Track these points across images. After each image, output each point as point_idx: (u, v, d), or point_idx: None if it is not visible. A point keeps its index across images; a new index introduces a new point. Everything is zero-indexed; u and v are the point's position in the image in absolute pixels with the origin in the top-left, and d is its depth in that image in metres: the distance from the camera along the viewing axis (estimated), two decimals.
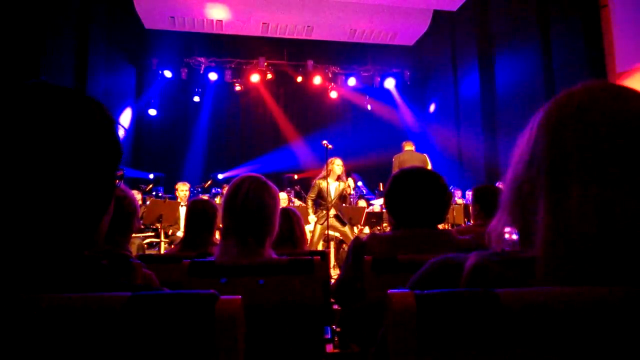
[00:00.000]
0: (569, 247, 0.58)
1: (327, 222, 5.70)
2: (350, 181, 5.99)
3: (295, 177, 10.49)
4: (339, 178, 5.82)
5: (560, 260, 0.58)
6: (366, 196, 8.85)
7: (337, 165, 5.83)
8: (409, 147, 7.71)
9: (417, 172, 1.74)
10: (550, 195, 0.60)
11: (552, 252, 0.59)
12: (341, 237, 6.09)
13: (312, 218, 6.12)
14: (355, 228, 6.62)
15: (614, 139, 0.58)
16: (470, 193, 8.00)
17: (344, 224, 5.93)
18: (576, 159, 0.59)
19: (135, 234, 5.40)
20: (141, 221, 5.55)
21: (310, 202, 6.12)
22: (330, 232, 5.79)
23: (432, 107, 11.60)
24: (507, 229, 0.70)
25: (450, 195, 1.82)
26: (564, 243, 0.58)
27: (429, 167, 7.37)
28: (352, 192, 6.00)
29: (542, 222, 0.60)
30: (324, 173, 5.82)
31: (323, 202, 5.82)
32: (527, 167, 0.65)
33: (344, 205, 5.96)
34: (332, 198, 5.81)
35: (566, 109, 0.63)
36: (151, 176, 8.76)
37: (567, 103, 0.63)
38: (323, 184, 5.78)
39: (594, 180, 0.57)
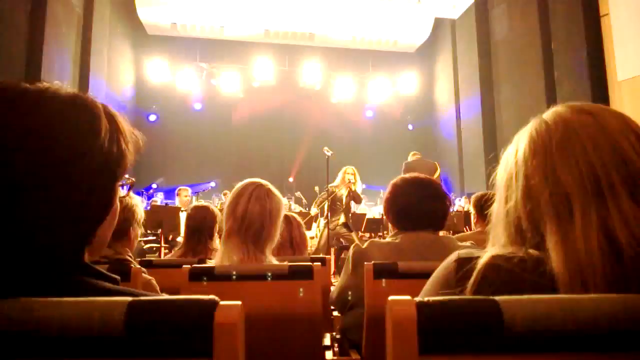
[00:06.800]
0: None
1: (328, 228, 5.74)
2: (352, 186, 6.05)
3: (290, 179, 10.47)
4: (348, 183, 5.95)
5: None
6: (368, 203, 8.87)
7: (347, 173, 6.00)
8: (416, 155, 7.70)
9: (416, 179, 1.76)
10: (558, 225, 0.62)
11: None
12: (346, 243, 6.10)
13: (315, 226, 6.21)
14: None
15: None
16: (466, 199, 7.98)
17: (350, 231, 6.00)
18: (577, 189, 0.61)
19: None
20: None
21: (316, 208, 6.22)
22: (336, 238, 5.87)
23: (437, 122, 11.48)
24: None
25: (450, 202, 1.85)
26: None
27: (438, 173, 7.38)
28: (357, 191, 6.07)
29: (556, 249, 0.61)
30: (338, 181, 6.01)
31: (336, 207, 5.96)
32: (526, 199, 0.66)
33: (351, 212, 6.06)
34: (344, 204, 5.96)
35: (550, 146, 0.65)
36: (154, 185, 8.79)
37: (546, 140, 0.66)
38: (336, 190, 5.96)
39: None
